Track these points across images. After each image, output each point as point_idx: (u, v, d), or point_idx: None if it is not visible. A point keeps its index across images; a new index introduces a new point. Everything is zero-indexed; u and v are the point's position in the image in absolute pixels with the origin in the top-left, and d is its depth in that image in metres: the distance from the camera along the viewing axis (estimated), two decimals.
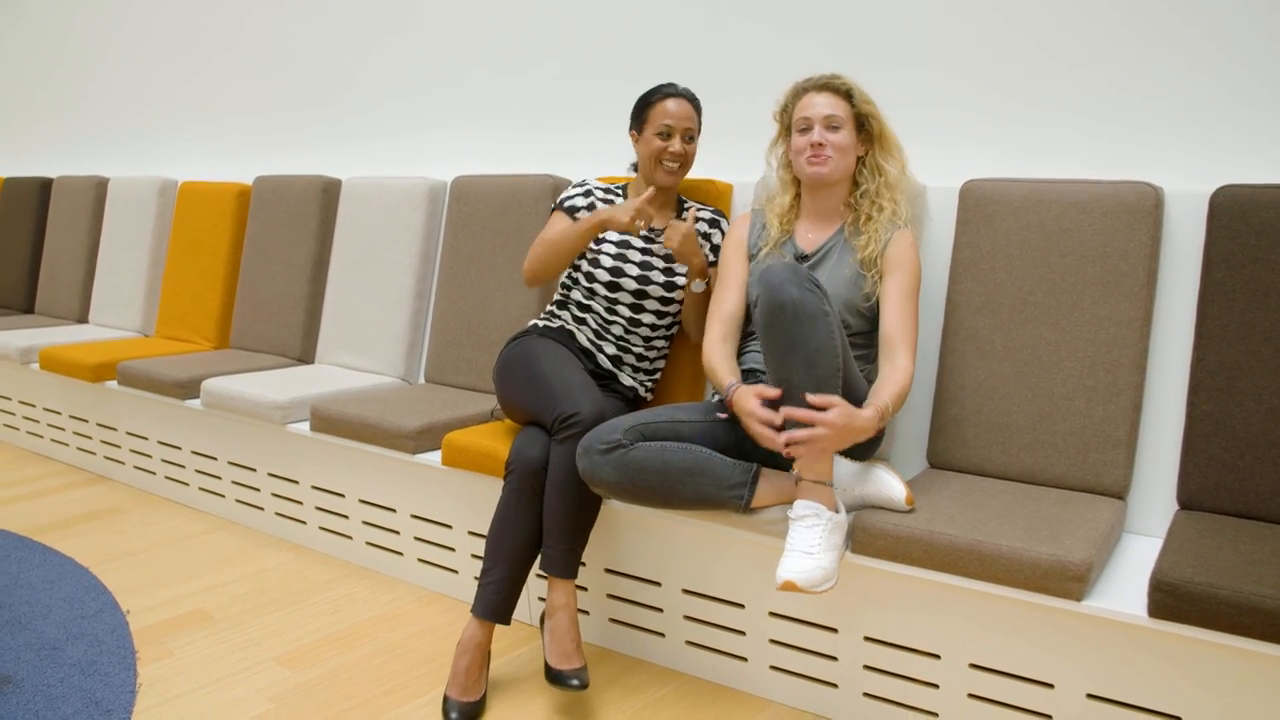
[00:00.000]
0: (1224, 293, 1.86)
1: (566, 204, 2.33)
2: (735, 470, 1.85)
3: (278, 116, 3.89)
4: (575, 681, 1.85)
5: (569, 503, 1.95)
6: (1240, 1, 1.96)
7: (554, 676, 1.87)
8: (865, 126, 2.02)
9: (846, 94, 2.00)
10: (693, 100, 2.27)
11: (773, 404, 1.78)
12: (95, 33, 4.67)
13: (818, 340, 1.72)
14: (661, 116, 2.22)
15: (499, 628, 1.99)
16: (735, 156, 2.49)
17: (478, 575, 2.32)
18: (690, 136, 2.25)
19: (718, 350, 2.05)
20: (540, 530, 1.98)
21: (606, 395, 2.25)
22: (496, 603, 1.95)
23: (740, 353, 2.10)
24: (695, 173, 2.52)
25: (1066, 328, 2.00)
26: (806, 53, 2.49)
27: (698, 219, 2.31)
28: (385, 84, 3.49)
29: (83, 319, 4.20)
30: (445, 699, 1.92)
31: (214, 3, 4.08)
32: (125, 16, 4.50)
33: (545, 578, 1.99)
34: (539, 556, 1.99)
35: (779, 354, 1.74)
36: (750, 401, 1.81)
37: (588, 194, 2.34)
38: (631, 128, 2.30)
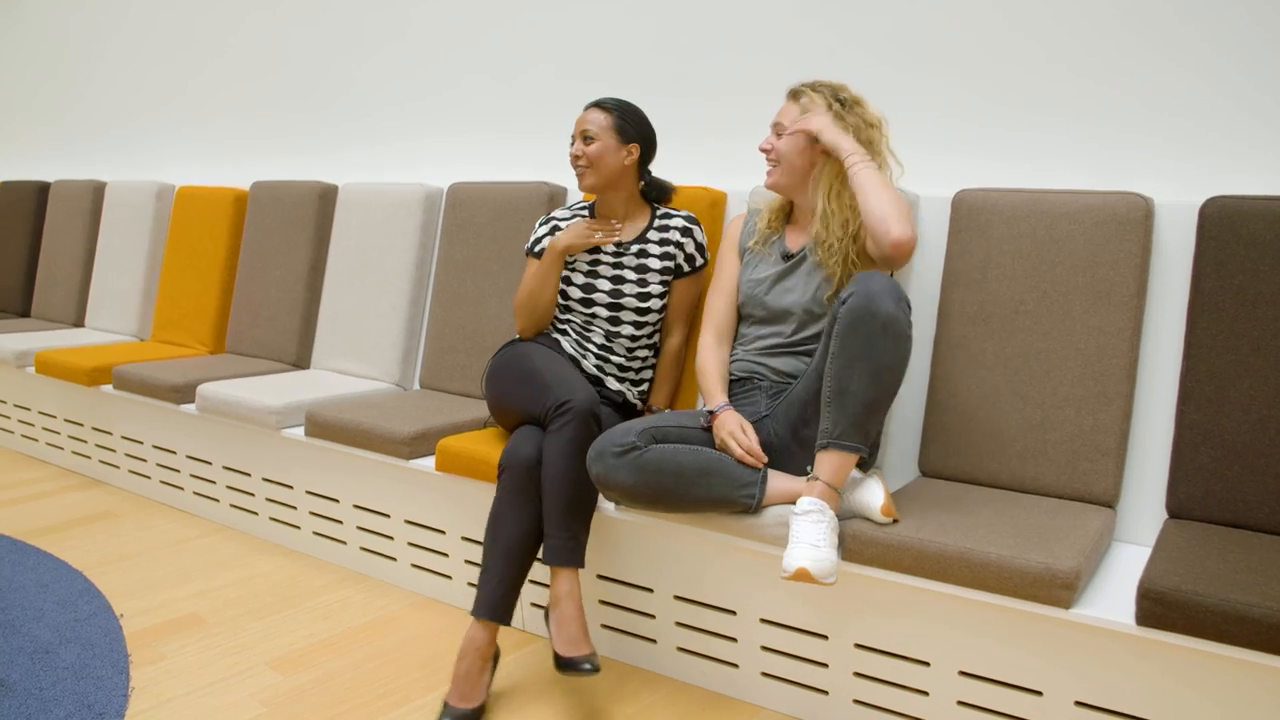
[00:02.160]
0: (1213, 303, 1.88)
1: (537, 249, 2.35)
2: (745, 470, 1.88)
3: (275, 122, 3.90)
4: (587, 665, 1.82)
5: (567, 489, 1.95)
6: (1233, 12, 1.98)
7: (564, 664, 1.83)
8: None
9: (795, 96, 2.02)
10: (599, 104, 2.26)
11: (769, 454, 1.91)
12: (92, 37, 4.68)
13: (893, 358, 1.75)
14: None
15: (503, 631, 1.95)
16: (730, 163, 2.51)
17: (473, 581, 2.33)
18: (587, 136, 2.23)
19: (711, 357, 2.10)
20: (536, 525, 1.97)
21: None
22: (495, 600, 1.92)
23: (731, 359, 2.12)
24: (691, 179, 2.54)
25: (1057, 337, 2.02)
26: (805, 59, 2.51)
27: (667, 228, 2.32)
28: (382, 90, 3.50)
29: (79, 323, 4.20)
30: (444, 704, 1.88)
31: (210, 7, 4.09)
32: (122, 21, 4.51)
33: (548, 570, 1.96)
34: (540, 550, 1.97)
35: (848, 357, 1.75)
36: (735, 429, 1.91)
37: (552, 228, 2.36)
38: None
